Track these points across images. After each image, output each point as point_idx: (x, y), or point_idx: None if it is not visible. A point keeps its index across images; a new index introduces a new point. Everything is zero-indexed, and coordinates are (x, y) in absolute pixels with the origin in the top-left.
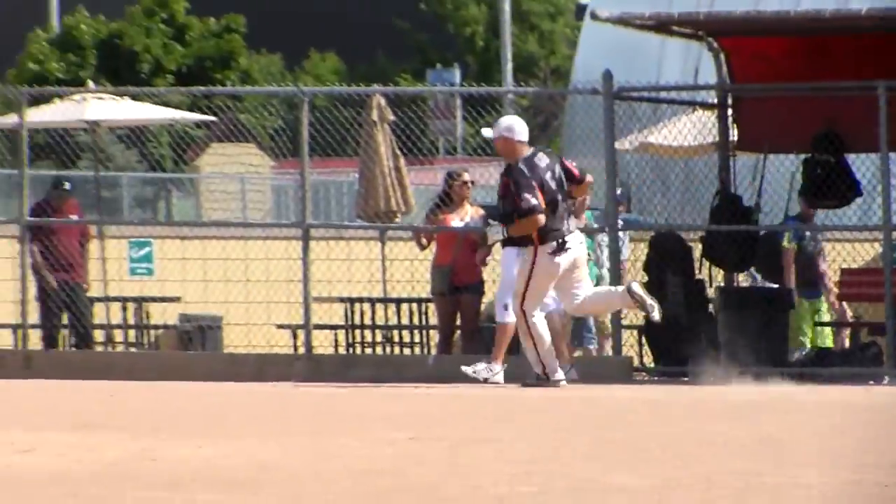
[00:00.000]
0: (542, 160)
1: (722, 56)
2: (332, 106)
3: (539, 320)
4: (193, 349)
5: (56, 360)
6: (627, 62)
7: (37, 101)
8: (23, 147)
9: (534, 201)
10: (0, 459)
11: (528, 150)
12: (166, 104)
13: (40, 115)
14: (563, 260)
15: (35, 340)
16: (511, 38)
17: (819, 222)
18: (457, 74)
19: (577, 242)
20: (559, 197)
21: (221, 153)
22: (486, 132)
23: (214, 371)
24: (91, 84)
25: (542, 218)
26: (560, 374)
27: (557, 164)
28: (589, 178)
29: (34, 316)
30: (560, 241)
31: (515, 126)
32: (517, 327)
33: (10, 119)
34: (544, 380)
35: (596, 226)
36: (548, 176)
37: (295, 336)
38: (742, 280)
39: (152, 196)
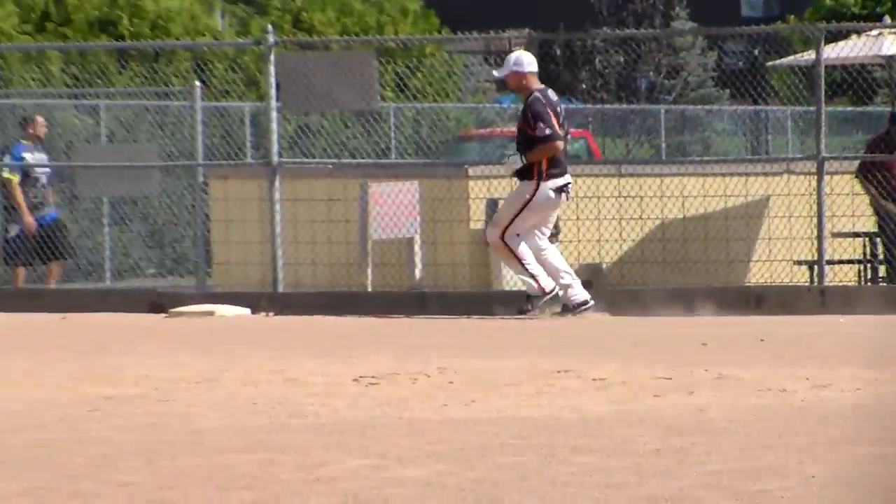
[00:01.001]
0: (554, 95)
1: None
2: None
3: (522, 245)
4: None
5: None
6: None
7: (834, 37)
8: (820, 84)
9: (549, 130)
10: (797, 395)
11: (540, 84)
12: None
13: (836, 52)
14: (560, 200)
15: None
16: None
17: None
18: None
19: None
20: (563, 134)
21: None
22: (497, 72)
23: None
24: (887, 19)
25: (560, 144)
26: (552, 283)
27: (563, 105)
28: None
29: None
30: (566, 183)
31: (524, 59)
32: (500, 256)
33: (808, 56)
34: (539, 296)
35: None
36: (558, 109)
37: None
38: None
39: None
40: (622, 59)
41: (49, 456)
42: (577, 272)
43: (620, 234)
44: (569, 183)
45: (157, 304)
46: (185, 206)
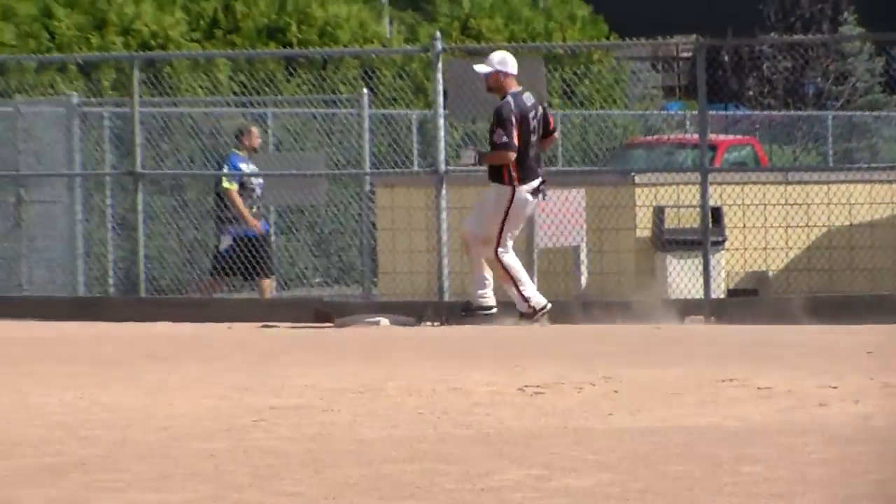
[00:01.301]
0: (529, 99)
1: None
2: None
3: (510, 257)
4: None
5: None
6: None
7: None
8: None
9: (505, 138)
10: None
11: (517, 87)
12: None
13: None
14: (536, 201)
15: None
16: None
17: None
18: None
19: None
20: (534, 139)
21: None
22: (479, 68)
23: None
24: None
25: (511, 155)
26: (543, 300)
27: (539, 109)
28: (556, 134)
29: None
30: (540, 184)
31: (508, 60)
32: (493, 270)
33: None
34: (531, 314)
35: None
36: (531, 115)
37: None
38: None
39: None
40: (789, 65)
41: (215, 466)
42: (743, 280)
43: (786, 242)
44: (543, 182)
45: (323, 313)
46: (351, 214)
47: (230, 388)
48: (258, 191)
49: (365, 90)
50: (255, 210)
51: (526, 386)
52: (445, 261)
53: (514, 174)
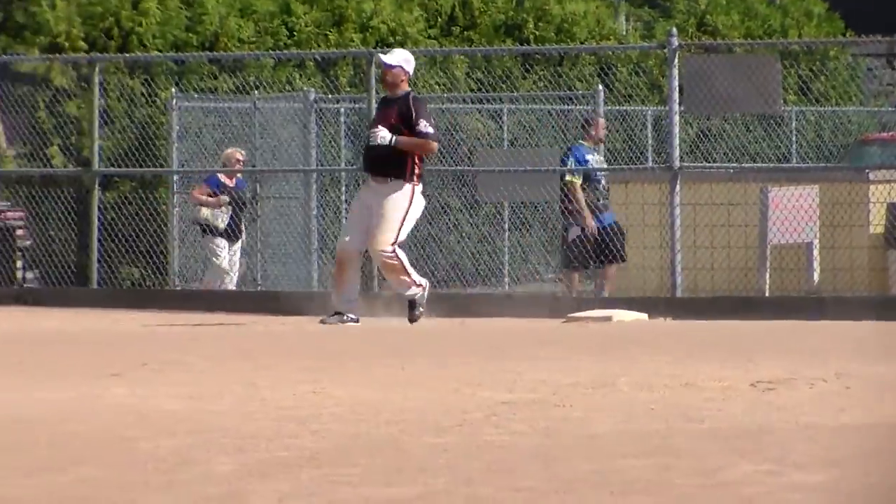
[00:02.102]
0: None
1: None
2: None
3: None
4: None
5: None
6: None
7: None
8: None
9: (433, 129)
10: None
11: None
12: None
13: None
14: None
15: None
16: None
17: None
18: None
19: None
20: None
21: None
22: (386, 58)
23: None
24: None
25: (435, 147)
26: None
27: None
28: None
29: None
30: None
31: (412, 60)
32: (390, 267)
33: None
34: (422, 289)
35: None
36: None
37: None
38: None
39: None
40: None
41: (446, 460)
42: None
43: None
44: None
45: (556, 308)
46: None
47: (462, 382)
48: (604, 182)
49: (600, 87)
50: (601, 202)
51: (758, 381)
52: (679, 257)
53: (416, 171)
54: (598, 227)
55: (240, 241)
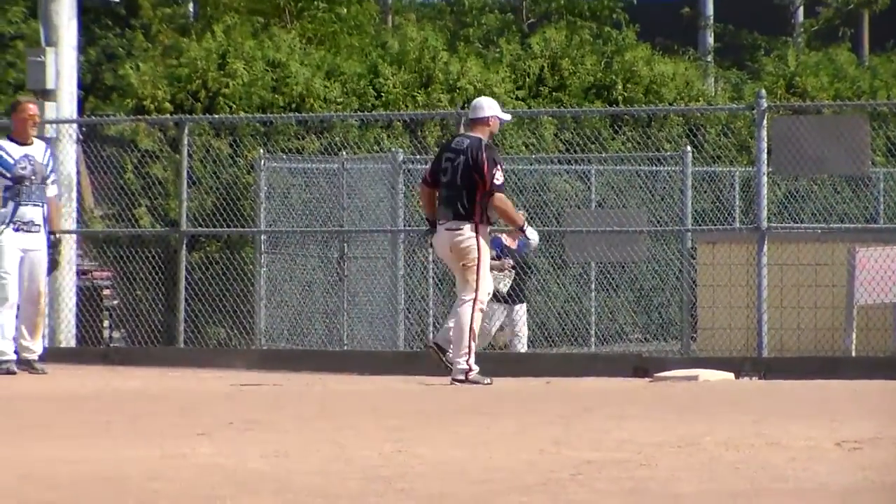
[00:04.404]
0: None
1: None
2: None
3: None
4: None
5: None
6: None
7: None
8: None
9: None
10: None
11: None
12: None
13: None
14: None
15: None
16: None
17: None
18: None
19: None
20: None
21: None
22: (504, 114)
23: None
24: None
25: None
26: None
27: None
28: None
29: None
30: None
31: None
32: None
33: None
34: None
35: None
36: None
37: None
38: None
39: None
40: None
41: None
42: None
43: None
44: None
45: (642, 368)
46: (672, 271)
47: (548, 441)
48: None
49: (688, 147)
50: None
51: (843, 441)
52: (765, 317)
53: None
54: None
55: (524, 304)
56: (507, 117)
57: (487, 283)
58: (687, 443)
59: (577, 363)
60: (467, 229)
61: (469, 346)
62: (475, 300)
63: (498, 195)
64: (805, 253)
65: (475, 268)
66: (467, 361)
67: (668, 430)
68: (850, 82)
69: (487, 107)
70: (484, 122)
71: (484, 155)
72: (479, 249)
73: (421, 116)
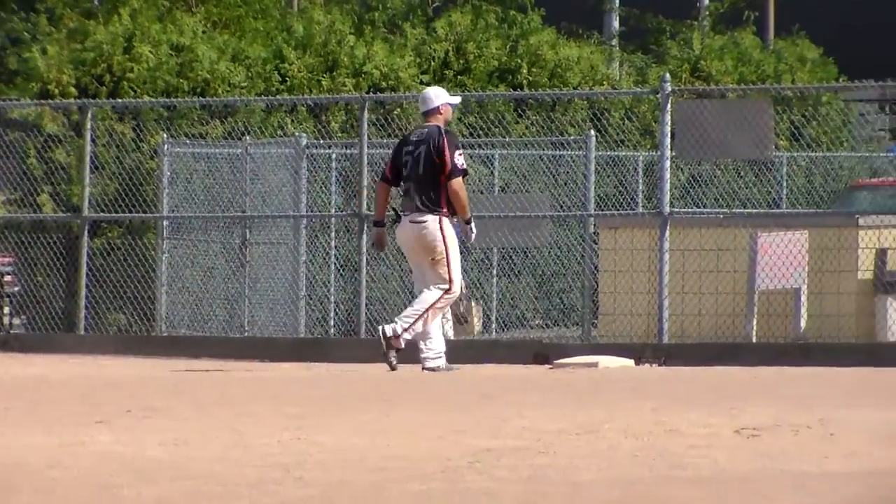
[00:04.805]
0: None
1: None
2: None
3: None
4: None
5: None
6: None
7: None
8: None
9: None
10: None
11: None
12: None
13: None
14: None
15: None
16: None
17: None
18: None
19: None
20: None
21: None
22: (454, 99)
23: None
24: None
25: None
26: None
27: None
28: None
29: None
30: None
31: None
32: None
33: None
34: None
35: None
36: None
37: None
38: None
39: None
40: None
41: None
42: None
43: None
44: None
45: (542, 354)
46: (574, 256)
47: (447, 429)
48: None
49: (592, 132)
50: None
51: (742, 428)
52: (666, 302)
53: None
54: None
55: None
56: (457, 100)
57: (460, 273)
58: (586, 430)
59: (478, 349)
60: (431, 222)
61: (417, 323)
62: (449, 290)
63: (457, 180)
64: (707, 238)
65: (444, 260)
66: (405, 330)
67: (567, 417)
68: (755, 66)
69: (435, 96)
70: (435, 111)
71: (445, 140)
72: (444, 241)
73: (325, 101)
